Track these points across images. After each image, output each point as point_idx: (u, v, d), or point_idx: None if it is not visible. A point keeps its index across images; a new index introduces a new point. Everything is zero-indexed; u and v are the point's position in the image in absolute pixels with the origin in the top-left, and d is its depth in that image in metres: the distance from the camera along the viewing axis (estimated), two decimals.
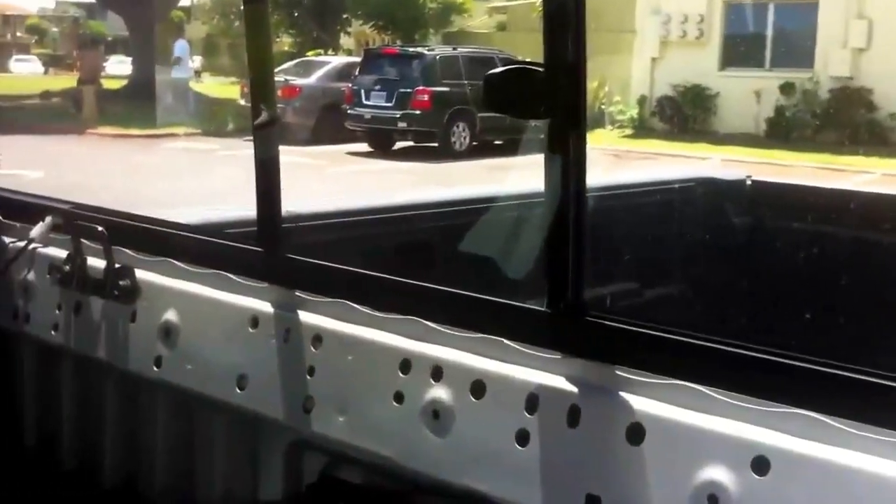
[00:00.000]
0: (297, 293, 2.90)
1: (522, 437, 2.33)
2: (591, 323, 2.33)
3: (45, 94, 32.59)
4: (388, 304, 2.70)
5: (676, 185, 5.64)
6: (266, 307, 2.93)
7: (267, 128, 3.03)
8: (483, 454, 2.42)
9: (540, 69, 2.41)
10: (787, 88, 26.16)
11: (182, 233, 3.36)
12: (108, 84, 33.06)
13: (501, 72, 2.46)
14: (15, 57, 51.00)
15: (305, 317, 2.83)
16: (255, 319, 2.92)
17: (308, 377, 2.77)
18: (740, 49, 27.67)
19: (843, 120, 25.23)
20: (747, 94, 26.47)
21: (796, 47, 26.38)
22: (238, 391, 2.93)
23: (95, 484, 3.49)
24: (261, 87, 3.05)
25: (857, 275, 4.64)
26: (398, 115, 24.18)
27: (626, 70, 28.51)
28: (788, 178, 6.30)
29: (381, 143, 24.86)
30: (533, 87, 2.43)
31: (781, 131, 25.64)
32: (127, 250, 3.31)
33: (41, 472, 3.69)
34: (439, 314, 2.59)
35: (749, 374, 2.08)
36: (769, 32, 27.56)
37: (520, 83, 2.47)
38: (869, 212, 4.77)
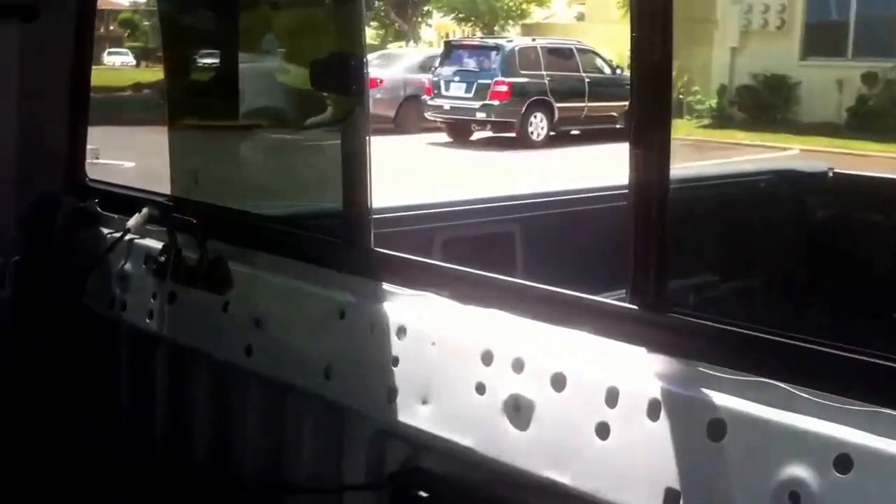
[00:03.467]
0: (382, 285, 2.95)
1: (603, 430, 2.35)
2: (673, 318, 2.34)
3: (137, 87, 32.99)
4: (471, 296, 2.73)
5: (757, 178, 5.60)
6: (352, 299, 2.98)
7: (354, 120, 3.07)
8: (563, 446, 2.43)
9: (354, 57, 2.91)
10: (869, 78, 25.67)
11: (273, 225, 3.43)
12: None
13: (326, 58, 3.04)
14: (108, 50, 51.42)
15: (390, 308, 2.88)
16: (342, 311, 2.98)
17: (392, 368, 2.81)
18: (822, 39, 27.20)
19: None
20: (829, 83, 26.00)
21: (879, 37, 25.89)
22: (325, 381, 2.99)
23: (188, 465, 3.57)
24: (350, 79, 3.09)
25: None
26: (477, 106, 24.21)
27: (705, 59, 28.13)
28: (871, 171, 6.20)
29: (460, 134, 24.91)
30: (349, 70, 2.94)
31: (864, 121, 25.16)
32: (220, 242, 3.39)
33: (135, 454, 3.78)
34: (521, 307, 2.62)
35: (832, 373, 2.07)
36: (851, 22, 27.07)
37: (340, 67, 2.95)
38: None
